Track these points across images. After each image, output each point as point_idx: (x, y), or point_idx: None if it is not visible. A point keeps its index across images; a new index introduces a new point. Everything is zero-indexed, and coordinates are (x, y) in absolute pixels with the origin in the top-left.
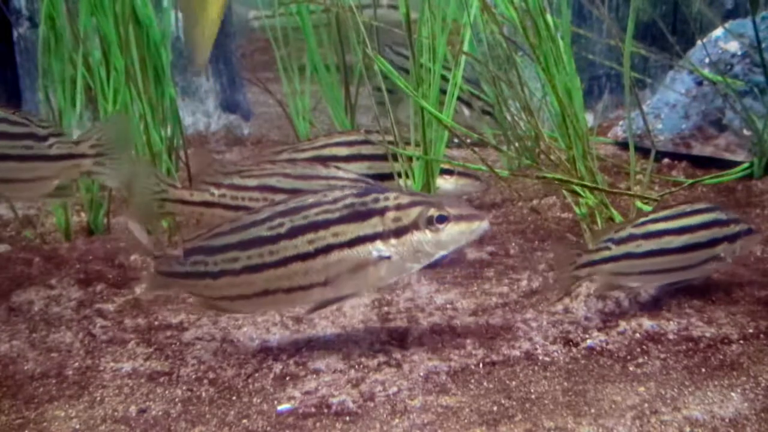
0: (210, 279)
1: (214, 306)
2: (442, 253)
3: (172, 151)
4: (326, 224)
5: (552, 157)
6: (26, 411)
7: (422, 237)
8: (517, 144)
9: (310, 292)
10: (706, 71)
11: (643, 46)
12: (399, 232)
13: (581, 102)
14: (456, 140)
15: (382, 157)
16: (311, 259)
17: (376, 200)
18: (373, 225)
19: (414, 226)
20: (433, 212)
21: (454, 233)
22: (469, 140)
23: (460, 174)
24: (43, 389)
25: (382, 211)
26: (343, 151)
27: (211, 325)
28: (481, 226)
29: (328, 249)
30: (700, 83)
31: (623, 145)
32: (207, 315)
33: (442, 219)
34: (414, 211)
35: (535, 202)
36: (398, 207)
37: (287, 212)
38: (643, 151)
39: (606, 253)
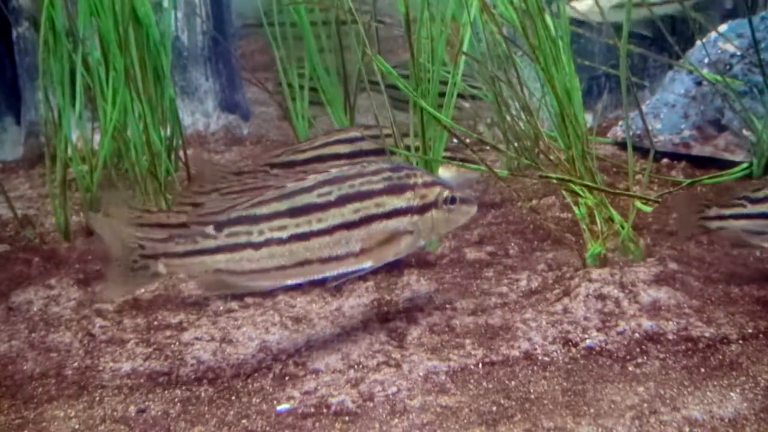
0: (251, 250)
1: (228, 286)
2: (443, 231)
3: (171, 151)
4: (370, 195)
5: (551, 157)
6: (25, 411)
7: (438, 215)
8: (516, 144)
9: (343, 262)
10: (705, 71)
11: (643, 46)
12: (423, 209)
13: (580, 102)
14: (455, 140)
15: (384, 153)
16: (355, 228)
17: (408, 176)
18: (407, 199)
19: (434, 204)
20: (447, 193)
21: (459, 214)
22: (468, 140)
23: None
24: (42, 389)
25: (413, 187)
26: (344, 148)
27: (210, 325)
28: (474, 209)
29: (370, 219)
30: (699, 83)
31: (623, 146)
32: (206, 315)
33: (453, 200)
34: (435, 190)
35: (534, 202)
36: (424, 184)
37: (333, 181)
38: (643, 152)
39: (740, 210)
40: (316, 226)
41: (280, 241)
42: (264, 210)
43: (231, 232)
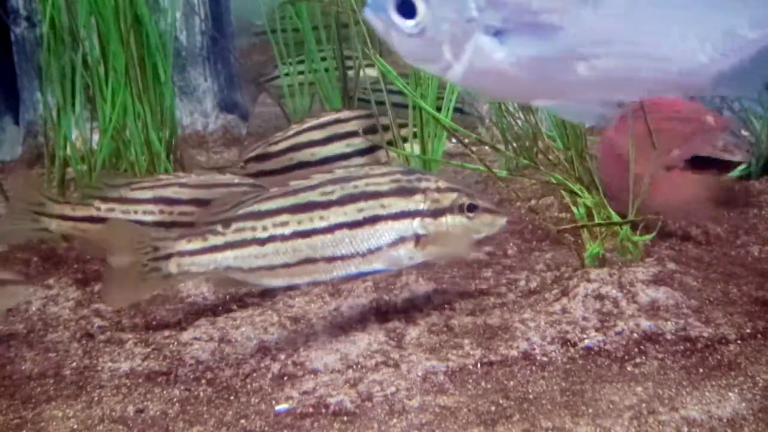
0: (257, 246)
1: (239, 284)
2: (465, 241)
3: (170, 152)
4: (376, 195)
5: (550, 157)
6: (24, 411)
7: (454, 221)
8: (515, 144)
9: (349, 262)
10: None
11: None
12: (436, 213)
13: None
14: (454, 140)
15: (358, 135)
16: (358, 228)
17: (419, 180)
18: (416, 202)
19: (449, 209)
20: (465, 200)
21: (481, 223)
22: (467, 140)
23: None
24: (40, 389)
25: (424, 191)
26: (318, 134)
27: (209, 325)
28: (503, 220)
29: (375, 219)
30: None
31: None
32: (205, 315)
33: (473, 207)
34: (451, 196)
35: (533, 202)
36: (438, 189)
37: (338, 180)
38: None
39: None
40: (317, 224)
41: (283, 238)
42: (268, 206)
43: (238, 228)
